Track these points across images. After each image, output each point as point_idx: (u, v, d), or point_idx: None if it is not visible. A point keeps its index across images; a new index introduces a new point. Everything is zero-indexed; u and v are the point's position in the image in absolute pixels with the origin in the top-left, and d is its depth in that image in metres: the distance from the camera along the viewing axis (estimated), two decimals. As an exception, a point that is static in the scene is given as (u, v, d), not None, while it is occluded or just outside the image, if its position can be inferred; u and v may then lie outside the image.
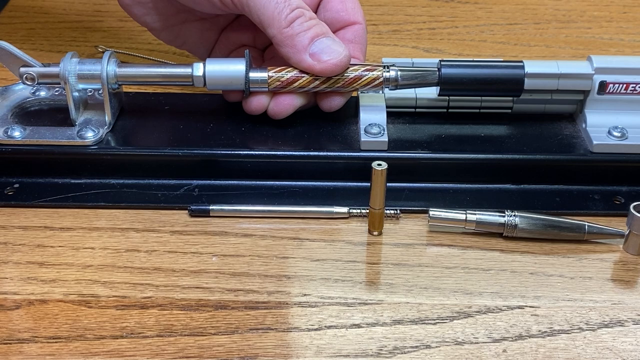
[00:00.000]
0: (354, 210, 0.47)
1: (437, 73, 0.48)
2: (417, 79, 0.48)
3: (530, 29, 0.69)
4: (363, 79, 0.48)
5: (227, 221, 0.47)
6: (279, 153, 0.48)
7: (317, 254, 0.45)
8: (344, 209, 0.47)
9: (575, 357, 0.38)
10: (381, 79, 0.48)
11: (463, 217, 0.45)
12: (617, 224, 0.45)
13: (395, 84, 0.48)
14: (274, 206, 0.47)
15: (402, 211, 0.47)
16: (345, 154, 0.48)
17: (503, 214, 0.45)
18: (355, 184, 0.49)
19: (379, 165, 0.43)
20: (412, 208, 0.47)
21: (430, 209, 0.46)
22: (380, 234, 0.46)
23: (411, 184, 0.49)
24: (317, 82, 0.48)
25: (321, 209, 0.47)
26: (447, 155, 0.48)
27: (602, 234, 0.45)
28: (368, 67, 0.48)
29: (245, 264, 0.44)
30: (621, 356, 0.38)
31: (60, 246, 0.45)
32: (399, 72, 0.48)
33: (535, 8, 0.73)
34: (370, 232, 0.46)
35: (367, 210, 0.46)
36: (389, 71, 0.48)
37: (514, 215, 0.45)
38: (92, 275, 0.43)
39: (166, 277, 0.43)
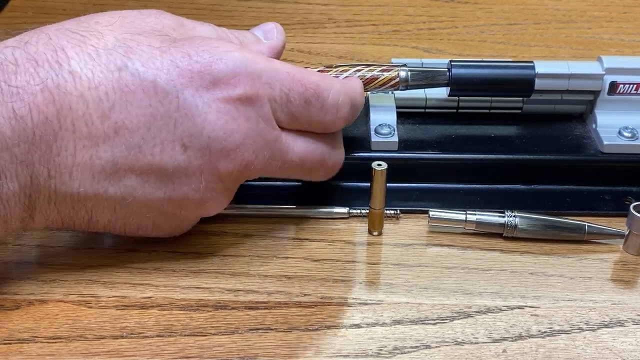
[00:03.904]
0: (354, 211, 0.47)
1: (447, 74, 0.48)
2: (427, 80, 0.48)
3: (530, 29, 0.69)
4: (379, 80, 0.48)
5: (227, 221, 0.47)
6: None
7: (317, 254, 0.45)
8: (344, 210, 0.47)
9: (575, 357, 0.38)
10: (397, 80, 0.48)
11: (463, 217, 0.45)
12: (617, 224, 0.45)
13: (405, 84, 0.48)
14: (274, 206, 0.47)
15: (413, 211, 0.47)
16: (356, 154, 0.48)
17: (503, 215, 0.45)
18: (365, 184, 0.47)
19: (379, 165, 0.43)
20: (423, 209, 0.47)
21: (430, 210, 0.46)
22: (380, 234, 0.46)
23: (421, 184, 0.49)
24: None
25: (321, 210, 0.47)
26: (457, 155, 0.48)
27: (602, 234, 0.45)
28: (384, 68, 0.48)
29: (245, 264, 0.44)
30: (621, 356, 0.38)
31: (60, 246, 0.45)
32: (409, 73, 0.48)
33: (535, 8, 0.73)
34: (370, 232, 0.46)
35: (367, 211, 0.46)
36: (400, 71, 0.48)
37: (514, 216, 0.45)
38: (92, 275, 0.43)
39: (166, 277, 0.43)
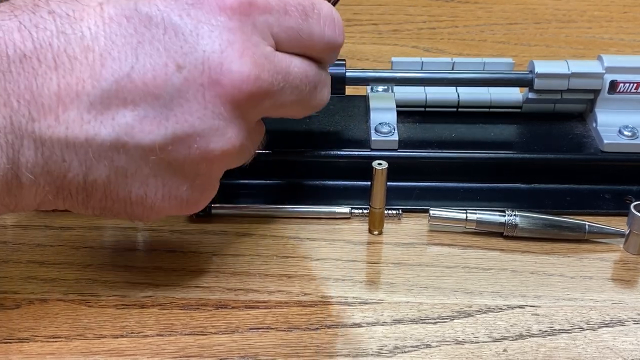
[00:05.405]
0: (356, 210, 0.47)
1: None
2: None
3: (530, 29, 0.69)
4: None
5: (228, 221, 0.47)
6: (288, 151, 0.48)
7: (318, 254, 0.45)
8: (345, 209, 0.47)
9: (576, 357, 0.38)
10: None
11: (463, 216, 0.45)
12: (618, 224, 0.45)
13: None
14: (275, 206, 0.47)
15: (413, 210, 0.47)
16: (356, 153, 0.48)
17: (503, 214, 0.45)
18: (365, 183, 0.47)
19: (379, 164, 0.43)
20: (423, 207, 0.47)
21: (431, 209, 0.46)
22: (380, 233, 0.46)
23: (421, 183, 0.49)
24: None
25: (322, 209, 0.47)
26: (458, 154, 0.48)
27: (603, 234, 0.45)
28: None
29: (246, 263, 0.44)
30: (622, 356, 0.38)
31: (60, 245, 0.45)
32: None
33: (535, 8, 0.73)
34: (370, 231, 0.46)
35: (368, 210, 0.46)
36: None
37: (514, 215, 0.45)
38: (92, 275, 0.43)
39: (166, 276, 0.43)
